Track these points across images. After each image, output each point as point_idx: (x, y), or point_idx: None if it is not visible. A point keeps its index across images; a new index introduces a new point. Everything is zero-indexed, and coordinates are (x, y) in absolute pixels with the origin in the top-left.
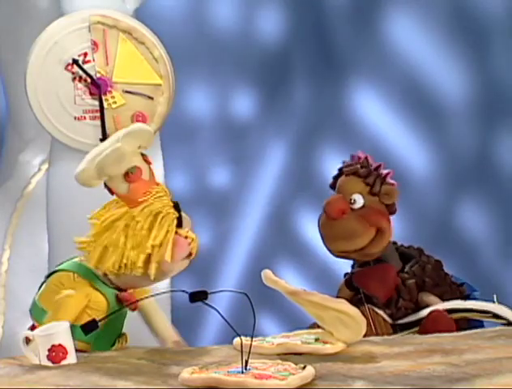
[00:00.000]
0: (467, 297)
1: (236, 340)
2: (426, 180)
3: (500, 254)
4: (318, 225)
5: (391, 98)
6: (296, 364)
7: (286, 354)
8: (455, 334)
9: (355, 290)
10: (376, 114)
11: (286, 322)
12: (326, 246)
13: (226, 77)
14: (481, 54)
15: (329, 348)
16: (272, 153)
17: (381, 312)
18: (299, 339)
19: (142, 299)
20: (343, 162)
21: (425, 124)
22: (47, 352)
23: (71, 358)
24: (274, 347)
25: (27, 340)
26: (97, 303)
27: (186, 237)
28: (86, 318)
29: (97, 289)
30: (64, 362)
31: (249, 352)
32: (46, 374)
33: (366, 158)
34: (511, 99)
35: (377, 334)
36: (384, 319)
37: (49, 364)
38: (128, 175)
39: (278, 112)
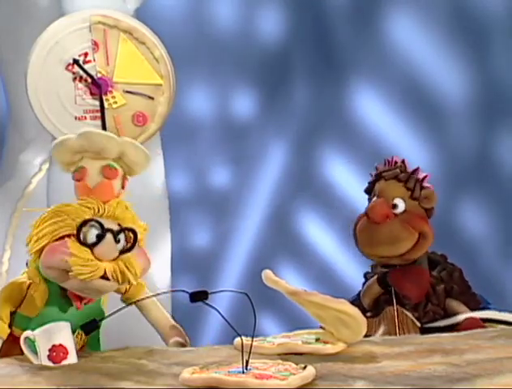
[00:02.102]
0: (483, 309)
1: (237, 340)
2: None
3: (500, 254)
4: (355, 230)
5: (392, 98)
6: (296, 364)
7: (287, 354)
8: (456, 334)
9: (385, 289)
10: (376, 114)
11: (286, 322)
12: (365, 251)
13: (226, 77)
14: (481, 54)
15: (329, 348)
16: (272, 153)
17: (409, 314)
18: (299, 339)
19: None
20: (376, 167)
21: (426, 124)
22: (47, 352)
23: (72, 358)
24: (274, 347)
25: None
26: (40, 291)
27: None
28: (29, 305)
29: (44, 278)
30: (65, 362)
31: (250, 352)
32: (47, 373)
33: (403, 162)
34: (511, 99)
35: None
36: (413, 321)
37: (50, 364)
38: (74, 173)
39: (278, 112)
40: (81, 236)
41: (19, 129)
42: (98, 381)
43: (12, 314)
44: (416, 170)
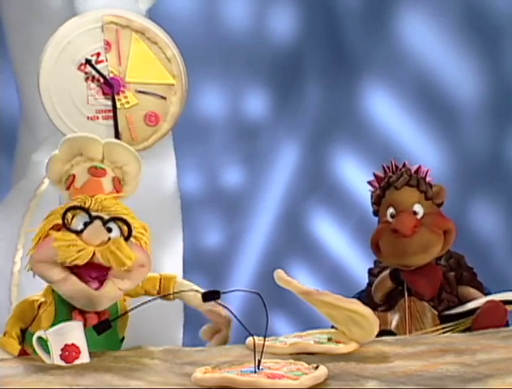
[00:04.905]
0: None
1: (249, 340)
2: (438, 180)
3: None
4: (376, 244)
5: (404, 98)
6: (308, 364)
7: (299, 354)
8: (468, 334)
9: (398, 283)
10: (388, 114)
11: (298, 321)
12: (393, 262)
13: (238, 77)
14: (494, 54)
15: (342, 348)
16: (284, 153)
17: (426, 303)
18: (312, 339)
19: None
20: (375, 176)
21: (438, 124)
22: (60, 352)
23: (84, 358)
24: (286, 346)
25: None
26: (47, 312)
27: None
28: (38, 324)
29: (55, 299)
30: (77, 362)
31: (262, 352)
32: (59, 373)
33: (404, 165)
34: None
35: (421, 328)
36: (431, 310)
37: (62, 363)
38: (65, 182)
39: (290, 112)
40: (66, 222)
41: (32, 129)
42: (110, 381)
43: (24, 331)
44: (418, 169)
